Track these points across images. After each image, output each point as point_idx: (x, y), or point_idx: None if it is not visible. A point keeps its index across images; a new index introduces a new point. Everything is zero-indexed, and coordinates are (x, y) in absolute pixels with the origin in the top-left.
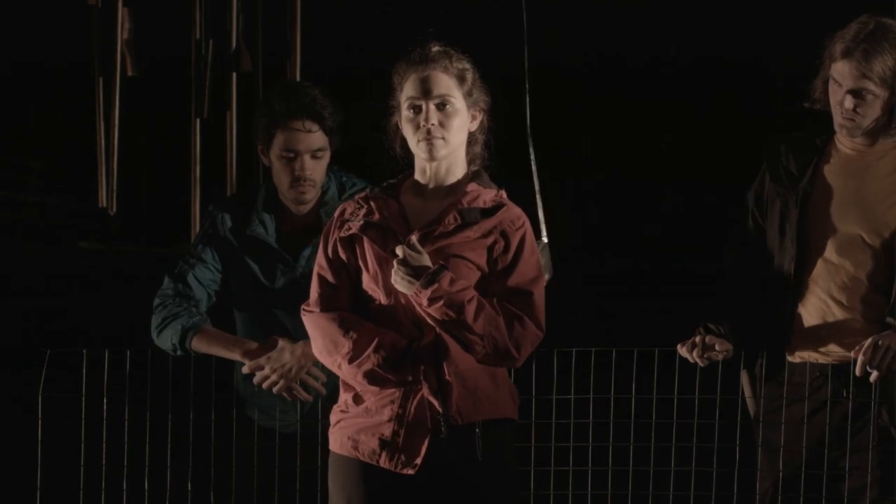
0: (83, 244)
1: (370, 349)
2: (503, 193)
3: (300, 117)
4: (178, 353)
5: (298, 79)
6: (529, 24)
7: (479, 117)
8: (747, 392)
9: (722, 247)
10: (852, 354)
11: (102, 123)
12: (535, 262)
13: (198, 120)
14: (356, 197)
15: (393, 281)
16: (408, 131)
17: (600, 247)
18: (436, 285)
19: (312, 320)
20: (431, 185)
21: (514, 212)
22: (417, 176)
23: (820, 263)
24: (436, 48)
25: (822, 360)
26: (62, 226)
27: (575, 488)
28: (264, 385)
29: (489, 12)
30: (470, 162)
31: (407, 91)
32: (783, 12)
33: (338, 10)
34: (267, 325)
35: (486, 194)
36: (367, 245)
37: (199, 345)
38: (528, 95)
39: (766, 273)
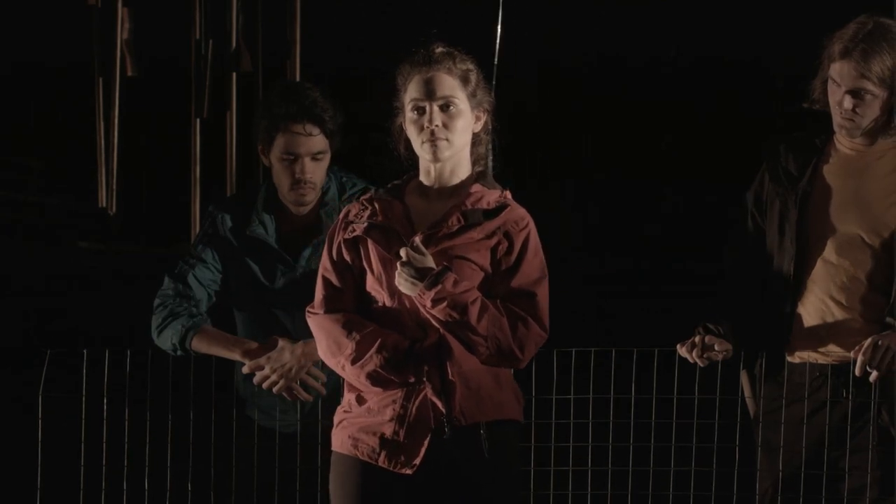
0: (83, 244)
1: (373, 350)
2: (507, 194)
3: (301, 120)
4: (179, 353)
5: (298, 79)
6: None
7: (483, 118)
8: (747, 392)
9: (722, 247)
10: (852, 354)
11: (102, 123)
12: (538, 263)
13: (198, 120)
14: (361, 198)
15: (396, 282)
16: (412, 133)
17: (600, 247)
18: (439, 286)
19: (317, 322)
20: (435, 186)
21: (518, 212)
22: (422, 177)
23: (819, 264)
24: (439, 49)
25: (821, 360)
26: (62, 226)
27: (575, 488)
28: (264, 385)
29: (489, 12)
30: (474, 163)
31: (411, 92)
32: (783, 12)
33: (338, 10)
34: (267, 325)
35: (490, 195)
36: (371, 246)
37: (199, 345)
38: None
39: (765, 273)
